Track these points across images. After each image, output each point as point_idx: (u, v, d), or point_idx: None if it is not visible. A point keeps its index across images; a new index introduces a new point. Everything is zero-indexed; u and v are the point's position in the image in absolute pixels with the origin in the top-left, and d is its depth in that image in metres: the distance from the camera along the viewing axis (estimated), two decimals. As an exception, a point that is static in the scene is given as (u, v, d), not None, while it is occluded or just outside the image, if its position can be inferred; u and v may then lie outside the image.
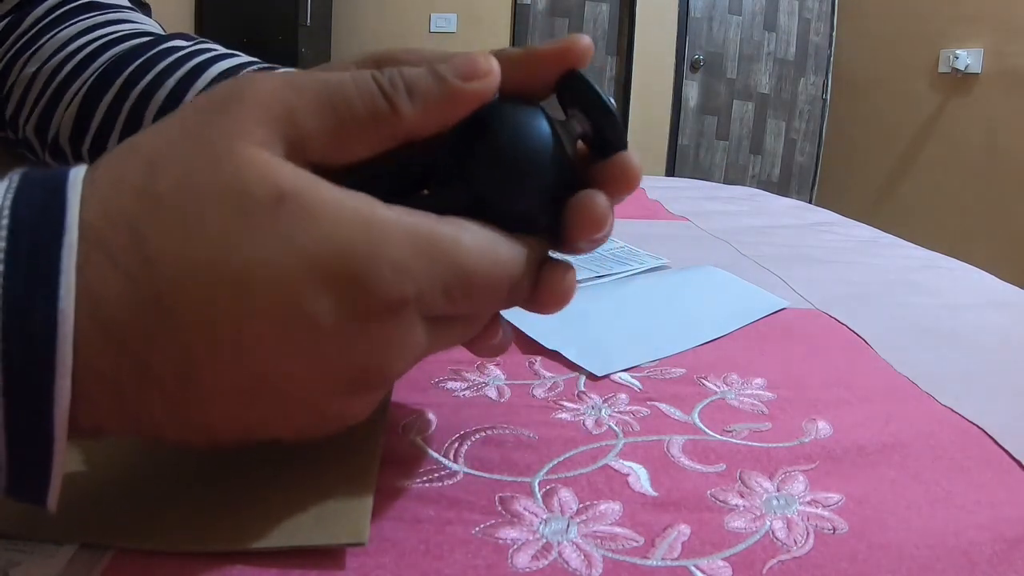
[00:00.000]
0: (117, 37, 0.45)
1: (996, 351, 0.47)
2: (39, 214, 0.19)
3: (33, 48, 0.45)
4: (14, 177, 0.20)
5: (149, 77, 0.41)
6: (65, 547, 0.22)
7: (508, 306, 0.26)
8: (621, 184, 0.26)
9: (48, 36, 0.45)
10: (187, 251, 0.20)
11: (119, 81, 0.41)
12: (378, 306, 0.21)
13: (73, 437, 0.19)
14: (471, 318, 0.26)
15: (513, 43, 3.71)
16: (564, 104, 0.26)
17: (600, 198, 0.25)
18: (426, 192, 0.26)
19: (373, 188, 0.23)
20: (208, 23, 3.20)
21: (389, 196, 0.24)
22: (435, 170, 0.25)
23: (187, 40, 0.45)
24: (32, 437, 0.18)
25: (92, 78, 0.42)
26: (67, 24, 0.46)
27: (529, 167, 0.24)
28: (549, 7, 3.70)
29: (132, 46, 0.43)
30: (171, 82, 0.41)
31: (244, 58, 0.44)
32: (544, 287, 0.26)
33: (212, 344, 0.20)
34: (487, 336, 0.27)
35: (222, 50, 0.45)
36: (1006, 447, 0.33)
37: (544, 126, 0.25)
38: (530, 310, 0.27)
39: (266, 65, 0.43)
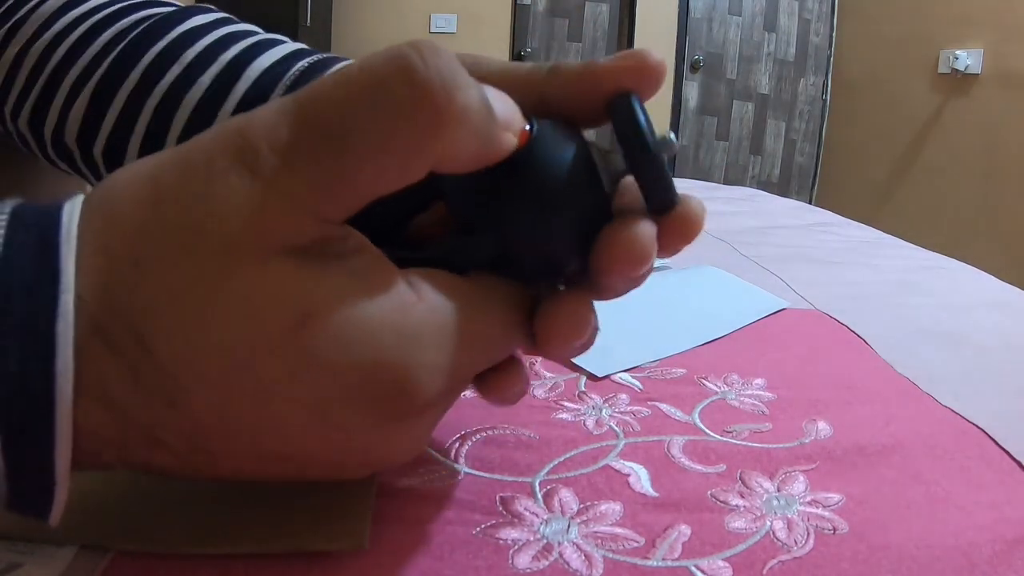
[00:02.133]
0: (113, 12, 0.38)
1: (996, 351, 0.47)
2: (32, 280, 0.17)
3: (11, 22, 0.38)
4: (0, 218, 0.18)
5: (176, 71, 0.34)
6: (66, 548, 0.22)
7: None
8: (674, 234, 0.22)
9: (27, 7, 0.39)
10: (197, 361, 0.18)
11: (136, 73, 0.35)
12: (412, 409, 0.20)
13: (76, 471, 0.19)
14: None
15: (512, 44, 3.72)
16: (615, 130, 0.22)
17: (643, 229, 0.21)
18: (444, 237, 0.24)
19: (377, 216, 0.21)
20: (208, 23, 3.20)
21: (396, 223, 0.23)
22: (455, 201, 0.23)
23: (203, 14, 0.37)
24: (34, 490, 0.18)
25: (101, 69, 0.35)
26: None
27: (563, 216, 0.21)
28: (549, 7, 3.71)
29: (143, 28, 0.36)
30: (205, 79, 0.34)
31: (290, 45, 0.36)
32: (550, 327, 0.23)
33: (227, 431, 0.19)
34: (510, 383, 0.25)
35: (254, 31, 0.37)
36: (1006, 447, 0.33)
37: (581, 166, 0.21)
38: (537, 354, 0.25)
39: (318, 56, 0.35)
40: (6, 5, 0.39)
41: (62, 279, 0.17)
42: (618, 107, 0.22)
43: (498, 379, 0.24)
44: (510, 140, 0.20)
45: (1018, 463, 0.32)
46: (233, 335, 0.18)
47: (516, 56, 3.71)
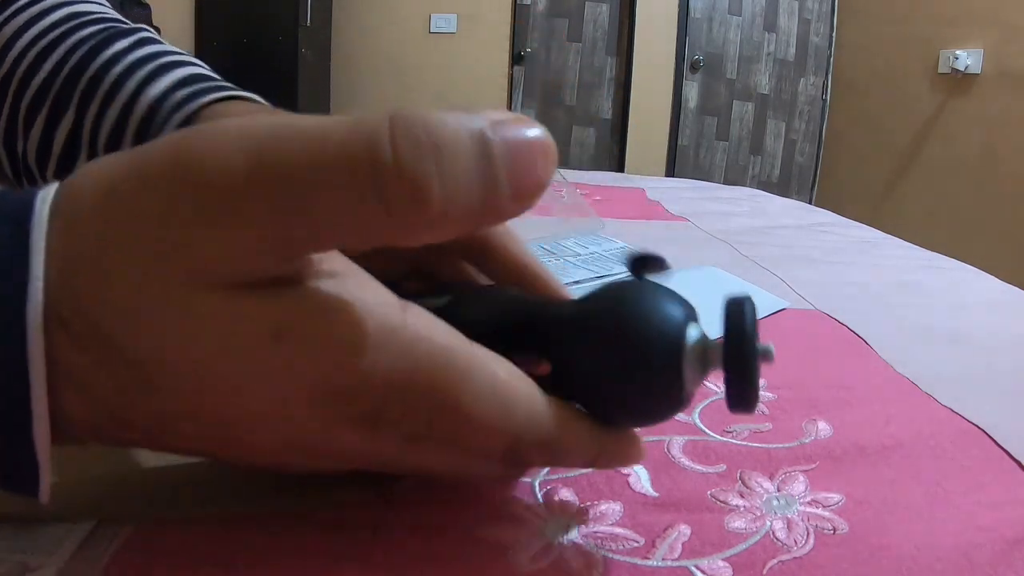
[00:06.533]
0: (57, 36, 0.40)
1: (996, 351, 0.47)
2: (4, 264, 0.18)
3: None
4: None
5: (94, 108, 0.37)
6: (67, 543, 0.23)
7: (512, 467, 0.24)
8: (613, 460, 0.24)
9: None
10: (170, 364, 0.18)
11: (72, 106, 0.38)
12: (366, 418, 0.20)
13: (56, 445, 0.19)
14: (457, 450, 0.22)
15: (512, 43, 3.71)
16: (726, 327, 0.22)
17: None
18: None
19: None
20: (208, 23, 3.20)
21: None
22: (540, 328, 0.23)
23: (125, 38, 0.40)
24: (18, 466, 0.19)
25: (49, 99, 0.38)
26: (10, 11, 0.41)
27: (653, 388, 0.22)
28: (549, 7, 3.71)
29: (76, 60, 0.39)
30: (112, 113, 0.37)
31: (185, 70, 0.38)
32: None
33: (195, 418, 0.20)
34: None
35: (158, 52, 0.39)
36: (1006, 447, 0.33)
37: (682, 346, 0.22)
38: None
39: (211, 81, 0.38)
40: None
41: (32, 267, 0.18)
42: (733, 311, 0.21)
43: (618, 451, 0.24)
44: (518, 210, 0.19)
45: (1018, 463, 0.32)
46: (206, 347, 0.18)
47: (516, 56, 3.71)
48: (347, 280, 0.20)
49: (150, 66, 0.38)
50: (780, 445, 0.33)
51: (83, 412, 0.19)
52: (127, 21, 0.43)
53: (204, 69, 0.40)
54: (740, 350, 0.21)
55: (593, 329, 0.22)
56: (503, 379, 0.21)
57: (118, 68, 0.38)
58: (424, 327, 0.20)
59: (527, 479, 0.29)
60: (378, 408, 0.20)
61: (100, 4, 0.44)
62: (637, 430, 0.24)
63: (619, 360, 0.21)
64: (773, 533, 0.26)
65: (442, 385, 0.20)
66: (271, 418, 0.20)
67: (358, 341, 0.19)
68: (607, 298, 0.22)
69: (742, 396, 0.21)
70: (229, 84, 0.39)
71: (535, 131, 0.19)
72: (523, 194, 0.18)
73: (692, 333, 0.22)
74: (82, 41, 0.39)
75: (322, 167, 0.17)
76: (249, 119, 0.18)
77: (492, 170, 0.18)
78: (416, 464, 0.22)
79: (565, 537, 0.25)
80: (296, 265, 0.19)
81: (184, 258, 0.18)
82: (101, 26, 0.41)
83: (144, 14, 2.81)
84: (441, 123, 0.17)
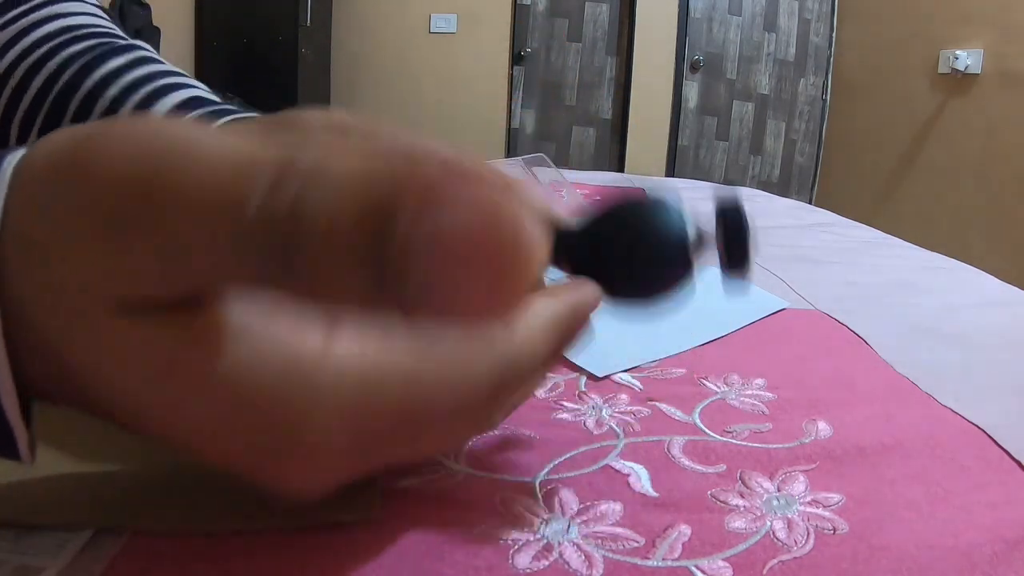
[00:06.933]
0: (46, 51, 0.39)
1: (996, 351, 0.47)
2: None
3: None
4: None
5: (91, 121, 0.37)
6: (69, 547, 0.23)
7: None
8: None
9: None
10: (86, 370, 0.18)
11: (67, 121, 0.37)
12: (322, 448, 0.19)
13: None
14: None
15: (512, 43, 3.71)
16: (724, 223, 0.27)
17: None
18: None
19: None
20: (208, 23, 3.20)
21: None
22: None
23: (122, 55, 0.39)
24: None
25: (40, 116, 0.38)
26: (10, 17, 0.41)
27: (659, 284, 0.26)
28: (549, 7, 3.71)
29: (67, 77, 0.38)
30: None
31: (183, 93, 0.38)
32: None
33: (135, 413, 0.19)
34: None
35: (159, 72, 0.39)
36: (1006, 447, 0.33)
37: (685, 245, 0.26)
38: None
39: (211, 105, 0.38)
40: None
41: None
42: (728, 209, 0.27)
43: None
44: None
45: (1018, 463, 0.32)
46: (110, 367, 0.17)
47: (516, 56, 3.71)
48: (257, 307, 0.18)
49: (147, 88, 0.38)
50: (780, 445, 0.33)
51: (46, 377, 0.19)
52: (124, 36, 0.42)
53: (203, 92, 0.39)
54: (734, 216, 0.26)
55: (631, 224, 0.26)
56: (462, 360, 0.20)
57: (113, 90, 0.38)
58: (352, 355, 0.18)
59: (527, 479, 0.29)
60: (327, 439, 0.18)
61: (95, 16, 0.43)
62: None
63: (652, 244, 0.26)
64: (773, 533, 0.26)
65: (390, 406, 0.19)
66: (210, 437, 0.18)
67: (259, 381, 0.17)
68: (633, 205, 0.27)
69: (739, 254, 0.26)
70: (231, 107, 0.39)
71: (494, 222, 0.14)
72: (455, 310, 0.15)
73: (689, 221, 0.27)
74: (73, 57, 0.39)
75: (196, 201, 0.15)
76: (162, 124, 0.17)
77: (383, 273, 0.14)
78: (407, 455, 0.22)
79: (565, 537, 0.25)
80: (190, 287, 0.17)
81: (80, 272, 0.17)
82: (94, 41, 0.40)
83: (144, 14, 2.81)
84: (321, 201, 0.14)
